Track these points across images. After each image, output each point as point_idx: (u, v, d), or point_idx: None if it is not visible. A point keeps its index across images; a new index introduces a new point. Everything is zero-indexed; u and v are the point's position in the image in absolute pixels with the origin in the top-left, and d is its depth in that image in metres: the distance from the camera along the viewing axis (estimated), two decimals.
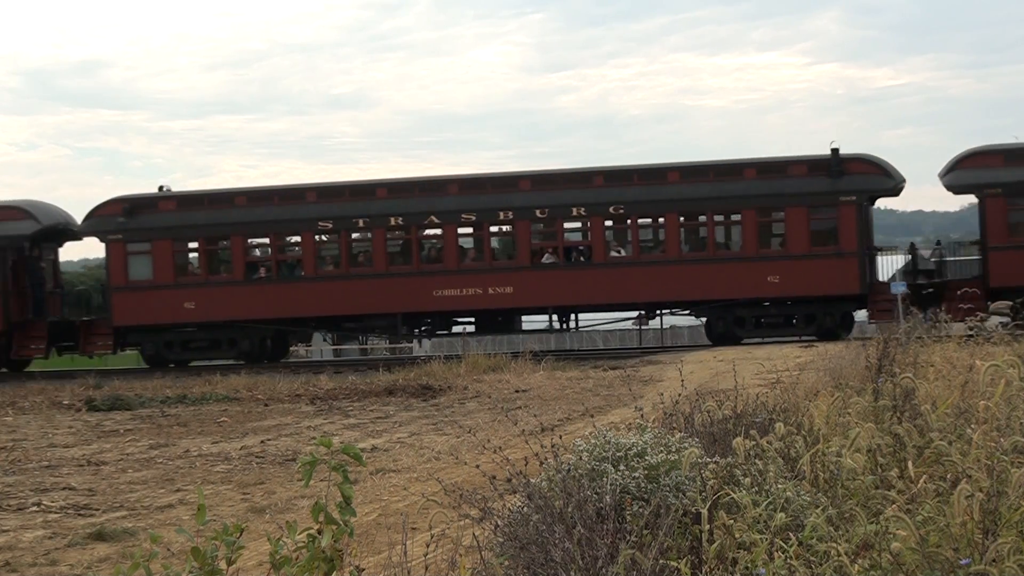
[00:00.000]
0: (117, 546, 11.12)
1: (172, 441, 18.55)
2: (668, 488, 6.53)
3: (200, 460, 16.37)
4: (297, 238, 33.41)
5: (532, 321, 34.70)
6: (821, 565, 5.53)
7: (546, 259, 32.36)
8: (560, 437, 8.56)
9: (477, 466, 8.26)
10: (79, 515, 12.81)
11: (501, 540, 6.34)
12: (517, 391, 22.97)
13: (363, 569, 5.27)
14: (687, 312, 33.86)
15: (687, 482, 6.59)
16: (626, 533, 6.00)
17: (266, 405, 23.36)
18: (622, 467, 6.68)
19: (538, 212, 32.03)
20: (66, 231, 35.36)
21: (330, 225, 32.87)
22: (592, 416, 15.48)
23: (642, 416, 8.58)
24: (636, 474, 6.62)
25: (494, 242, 33.89)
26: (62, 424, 21.68)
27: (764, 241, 31.83)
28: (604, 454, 6.85)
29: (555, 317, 33.40)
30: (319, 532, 4.71)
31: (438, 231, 32.99)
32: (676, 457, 6.81)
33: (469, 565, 5.98)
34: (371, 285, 32.53)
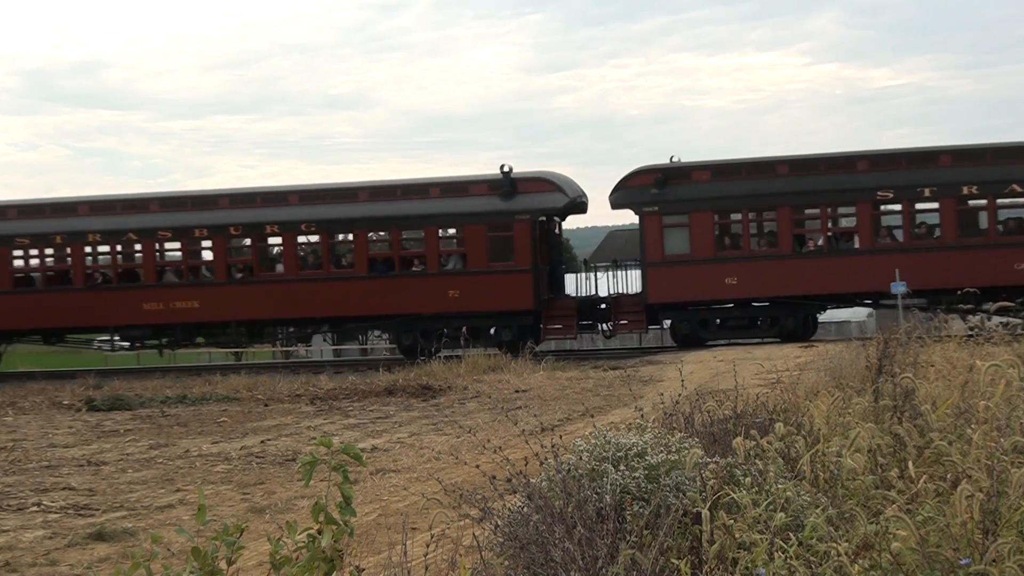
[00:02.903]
0: (117, 546, 11.12)
1: (172, 441, 18.55)
2: (668, 488, 6.53)
3: (200, 460, 16.37)
4: (852, 208, 31.10)
5: None
6: (821, 565, 5.53)
7: None
8: (560, 437, 8.56)
9: (477, 466, 8.26)
10: (79, 515, 12.80)
11: (501, 540, 6.34)
12: (517, 391, 22.97)
13: (363, 569, 5.27)
14: None
15: (687, 482, 6.59)
16: (626, 533, 6.00)
17: (266, 405, 23.36)
18: (622, 467, 6.68)
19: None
20: (578, 205, 33.57)
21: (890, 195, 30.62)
22: (592, 416, 15.48)
23: (642, 416, 8.58)
24: (636, 474, 6.62)
25: None
26: (62, 424, 21.68)
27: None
28: (604, 454, 6.85)
29: None
30: (319, 532, 4.70)
31: None
32: (676, 457, 6.81)
33: (469, 565, 5.98)
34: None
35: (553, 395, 21.81)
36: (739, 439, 7.13)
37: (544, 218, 32.46)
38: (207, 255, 33.81)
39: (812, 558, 5.62)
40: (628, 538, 5.90)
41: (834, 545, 5.54)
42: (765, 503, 6.13)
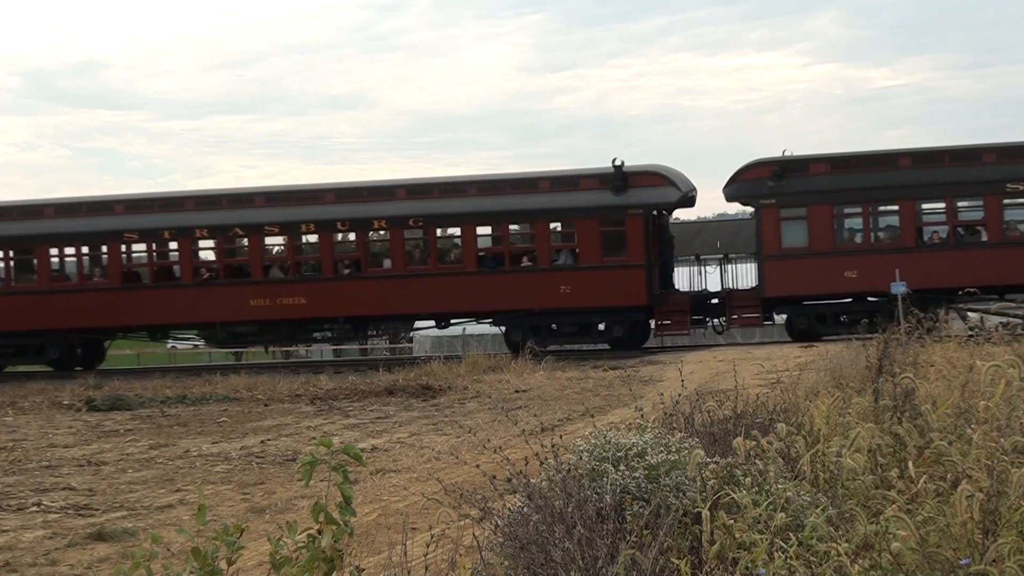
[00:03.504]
0: (117, 546, 11.12)
1: (172, 441, 18.55)
2: (668, 488, 6.53)
3: (200, 460, 16.37)
4: (979, 201, 30.67)
5: None
6: (821, 565, 5.53)
7: None
8: (560, 437, 8.55)
9: (477, 466, 8.26)
10: (79, 515, 12.80)
11: (501, 540, 6.34)
12: (517, 391, 22.98)
13: (363, 569, 5.27)
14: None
15: (687, 482, 6.59)
16: (626, 533, 6.00)
17: (266, 405, 23.36)
18: (622, 467, 6.68)
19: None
20: (689, 199, 33.07)
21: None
22: (592, 416, 15.48)
23: (642, 416, 8.57)
24: (636, 474, 6.62)
25: None
26: (62, 424, 21.68)
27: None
28: (604, 454, 6.85)
29: None
30: (319, 532, 4.70)
31: None
32: (676, 457, 6.82)
33: (469, 565, 5.98)
34: None
35: (553, 395, 21.81)
36: (739, 439, 7.13)
37: (655, 212, 32.14)
38: (313, 250, 33.41)
39: (812, 558, 5.62)
40: (628, 538, 5.90)
41: (834, 545, 5.54)
42: (765, 503, 6.13)
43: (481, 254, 32.39)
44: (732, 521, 6.02)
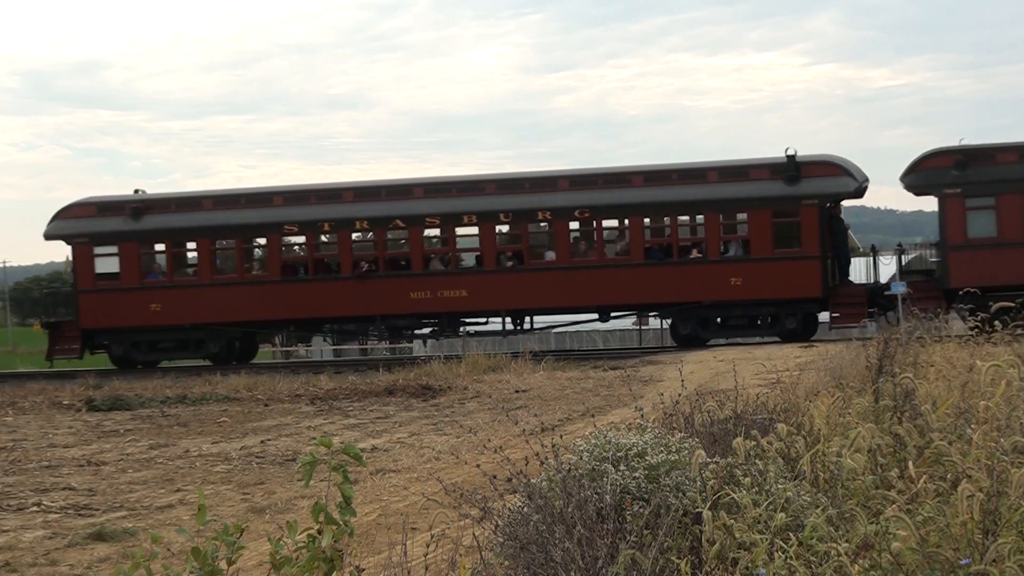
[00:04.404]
0: (117, 546, 11.11)
1: (172, 441, 18.54)
2: (668, 488, 6.53)
3: (200, 460, 16.36)
4: None
5: None
6: (821, 565, 5.53)
7: None
8: (560, 437, 8.56)
9: (477, 466, 8.26)
10: (79, 515, 12.80)
11: (501, 540, 6.34)
12: (517, 391, 22.96)
13: (363, 569, 5.27)
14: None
15: (687, 482, 6.59)
16: (626, 533, 6.00)
17: (266, 405, 23.35)
18: (622, 467, 6.68)
19: None
20: (863, 190, 32.13)
21: None
22: (592, 416, 15.48)
23: (642, 416, 8.58)
24: (636, 474, 6.62)
25: None
26: (62, 424, 21.67)
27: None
28: (604, 454, 6.85)
29: None
30: (319, 532, 4.70)
31: None
32: (676, 457, 6.82)
33: (469, 565, 5.98)
34: None
35: (553, 395, 21.80)
36: (739, 439, 7.13)
37: (830, 203, 31.53)
38: (475, 243, 32.87)
39: (812, 558, 5.62)
40: (628, 538, 5.90)
41: (834, 545, 5.55)
42: (765, 503, 6.13)
43: (647, 246, 31.82)
44: (732, 521, 6.02)
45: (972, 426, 7.57)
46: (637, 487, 6.54)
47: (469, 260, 33.29)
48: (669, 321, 32.66)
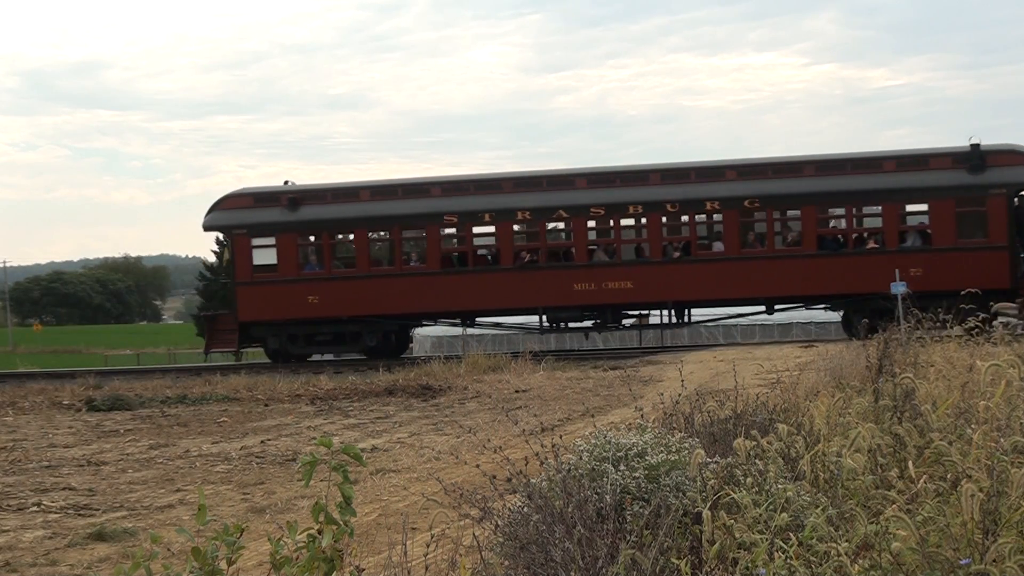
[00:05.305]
0: (117, 546, 11.11)
1: (172, 441, 18.54)
2: (668, 488, 6.53)
3: (200, 460, 16.36)
4: None
5: None
6: (821, 565, 5.53)
7: None
8: (560, 437, 8.56)
9: (477, 466, 8.26)
10: (79, 515, 12.80)
11: (501, 540, 6.34)
12: (517, 391, 22.97)
13: (363, 569, 5.27)
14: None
15: (687, 482, 6.59)
16: (626, 533, 6.00)
17: (266, 405, 23.35)
18: (622, 467, 6.68)
19: None
20: None
21: None
22: (592, 416, 15.48)
23: (642, 416, 8.57)
24: (636, 474, 6.62)
25: None
26: (62, 424, 21.67)
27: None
28: (604, 454, 6.85)
29: None
30: (319, 532, 4.70)
31: None
32: (676, 457, 6.82)
33: (469, 565, 5.98)
34: None
35: (553, 395, 21.80)
36: (739, 439, 7.13)
37: (1019, 192, 30.91)
38: (641, 233, 32.42)
39: (812, 558, 5.61)
40: (628, 538, 5.90)
41: (834, 545, 5.54)
42: (765, 503, 6.13)
43: (820, 236, 31.30)
44: (732, 521, 6.02)
45: (972, 426, 7.57)
46: (637, 487, 6.54)
47: (628, 251, 32.67)
48: (841, 313, 31.92)
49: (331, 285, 32.83)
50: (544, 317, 32.67)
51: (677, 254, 31.82)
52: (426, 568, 6.12)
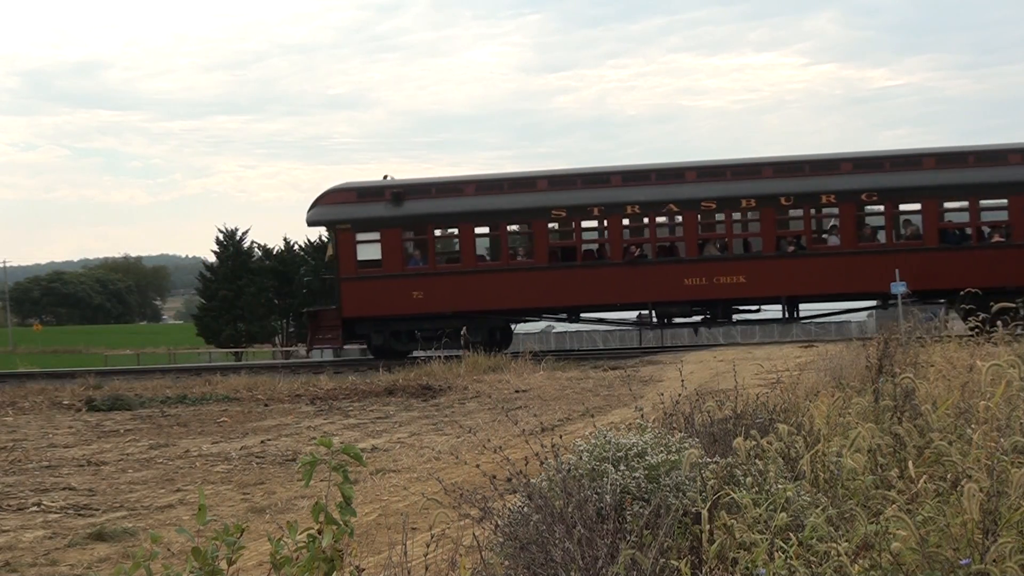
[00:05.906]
0: (117, 546, 11.11)
1: (172, 441, 18.54)
2: (668, 488, 6.53)
3: (200, 460, 16.36)
4: None
5: None
6: (821, 565, 5.53)
7: None
8: (560, 437, 8.56)
9: (477, 466, 8.26)
10: (79, 515, 12.80)
11: (501, 540, 6.34)
12: (517, 391, 22.97)
13: (363, 569, 5.27)
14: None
15: (687, 482, 6.59)
16: (626, 533, 6.00)
17: (266, 405, 23.35)
18: (622, 467, 6.68)
19: None
20: None
21: None
22: (592, 416, 15.49)
23: (642, 416, 8.57)
24: (636, 474, 6.62)
25: None
26: (62, 424, 21.67)
27: None
28: (604, 454, 6.85)
29: None
30: (319, 532, 4.71)
31: None
32: (676, 457, 6.82)
33: (469, 565, 5.98)
34: None
35: (553, 395, 21.81)
36: (739, 439, 7.13)
37: None
38: (753, 227, 31.97)
39: (812, 558, 5.62)
40: (628, 538, 5.90)
41: (834, 545, 5.54)
42: (765, 503, 6.13)
43: (942, 229, 30.92)
44: (732, 521, 6.02)
45: (972, 426, 7.57)
46: (637, 487, 6.54)
47: (738, 245, 32.29)
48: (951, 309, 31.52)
49: (436, 280, 32.52)
50: (654, 312, 32.33)
51: (791, 248, 31.50)
52: (426, 568, 6.12)
